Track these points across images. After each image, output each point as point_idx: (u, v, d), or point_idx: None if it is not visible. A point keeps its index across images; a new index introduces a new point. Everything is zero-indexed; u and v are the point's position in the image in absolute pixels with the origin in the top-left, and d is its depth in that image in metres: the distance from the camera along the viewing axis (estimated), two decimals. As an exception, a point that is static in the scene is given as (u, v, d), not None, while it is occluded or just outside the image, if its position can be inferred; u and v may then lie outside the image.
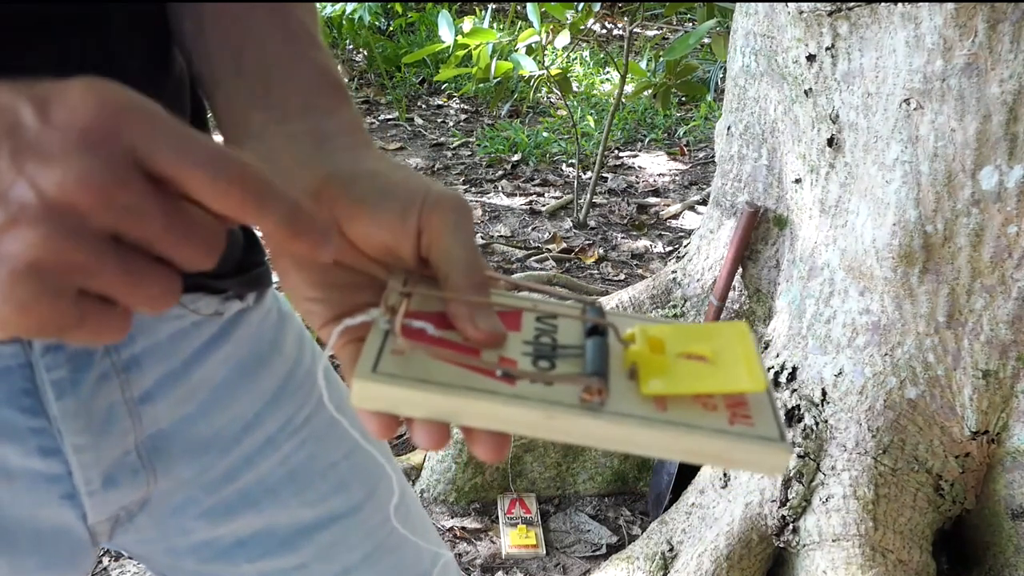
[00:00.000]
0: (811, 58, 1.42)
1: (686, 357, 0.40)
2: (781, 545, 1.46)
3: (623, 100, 3.44)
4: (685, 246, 1.94)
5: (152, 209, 0.31)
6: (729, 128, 1.77)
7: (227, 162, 0.32)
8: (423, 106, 4.17)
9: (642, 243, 2.92)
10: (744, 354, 0.40)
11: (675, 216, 3.11)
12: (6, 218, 0.30)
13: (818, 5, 1.36)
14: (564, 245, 2.87)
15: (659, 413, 0.37)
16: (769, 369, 1.56)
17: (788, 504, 1.44)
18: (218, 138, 0.56)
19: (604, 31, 5.03)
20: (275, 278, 0.53)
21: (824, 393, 1.47)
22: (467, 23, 3.03)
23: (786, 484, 1.44)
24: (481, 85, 3.41)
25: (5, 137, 0.30)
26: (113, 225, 0.31)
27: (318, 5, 4.20)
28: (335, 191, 0.41)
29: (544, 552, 1.69)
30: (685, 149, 3.66)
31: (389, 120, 3.97)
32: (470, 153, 3.62)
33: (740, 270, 1.75)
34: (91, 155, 0.30)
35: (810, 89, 1.45)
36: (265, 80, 0.48)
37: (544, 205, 3.15)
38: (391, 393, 0.37)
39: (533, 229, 3.00)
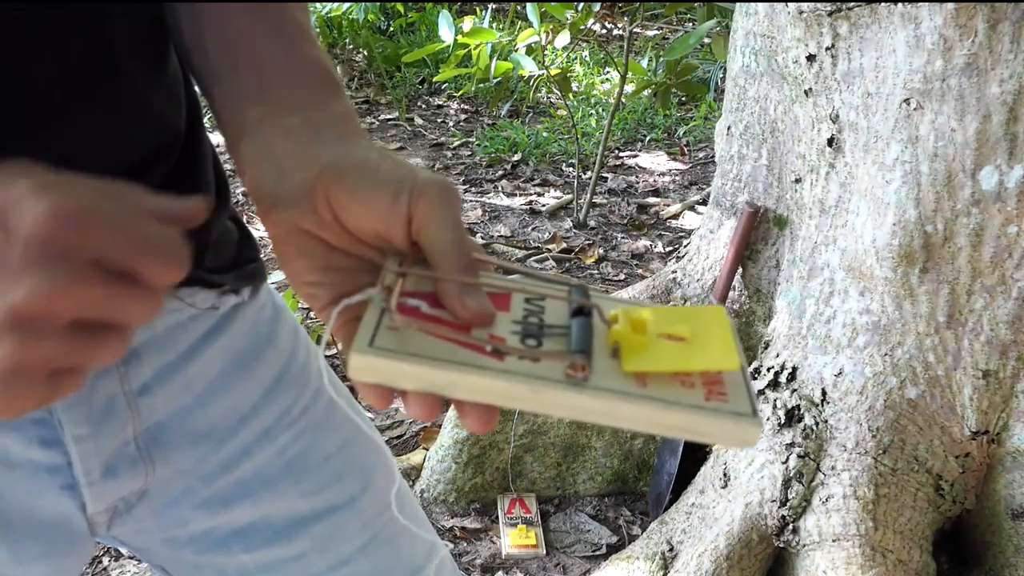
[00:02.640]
0: (811, 58, 1.42)
1: (666, 337, 0.42)
2: (781, 545, 1.46)
3: (623, 100, 3.44)
4: (685, 246, 1.94)
5: (114, 292, 0.34)
6: (729, 128, 1.77)
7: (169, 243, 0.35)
8: (423, 106, 4.17)
9: (642, 243, 2.92)
10: (721, 336, 0.42)
11: (675, 216, 3.11)
12: None
13: (818, 5, 1.36)
14: (564, 245, 2.87)
15: (639, 389, 0.39)
16: (769, 369, 1.56)
17: (788, 504, 1.44)
18: (217, 138, 0.57)
19: (604, 31, 5.03)
20: (276, 276, 0.53)
21: (824, 393, 1.47)
22: (467, 23, 3.03)
23: (786, 484, 1.44)
24: (481, 85, 3.42)
25: None
26: (78, 315, 0.33)
27: (318, 5, 4.20)
28: (329, 182, 0.43)
29: (544, 552, 1.69)
30: (685, 149, 3.66)
31: (389, 120, 3.97)
32: (470, 153, 3.62)
33: (740, 270, 1.76)
34: (53, 266, 0.32)
35: (810, 89, 1.45)
36: (259, 75, 0.49)
37: (544, 205, 3.15)
38: (387, 366, 0.39)
39: (533, 229, 3.00)
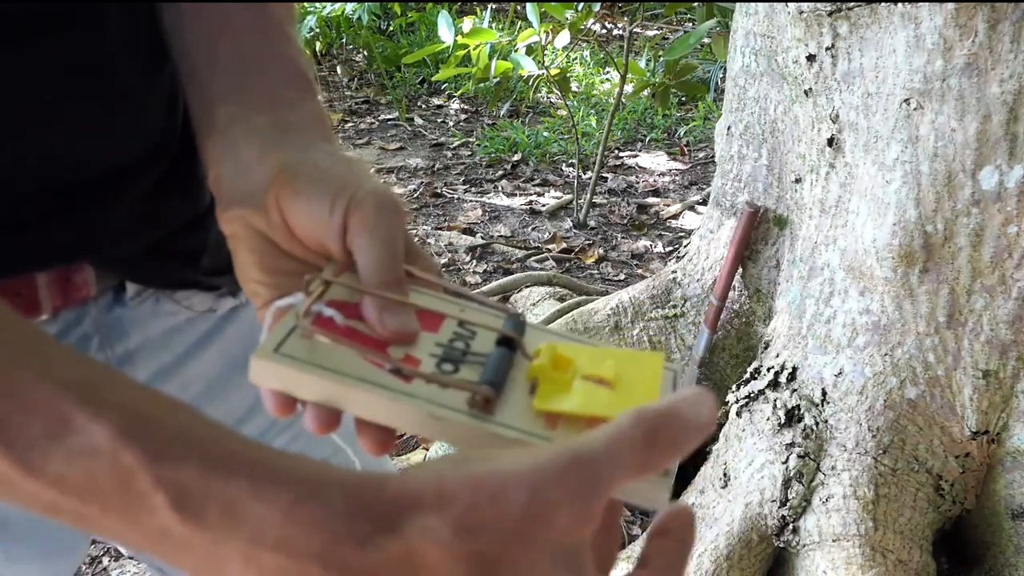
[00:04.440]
0: (811, 58, 1.42)
1: (591, 379, 0.39)
2: (781, 545, 1.46)
3: (623, 100, 3.44)
4: (685, 246, 1.94)
5: None
6: (729, 128, 1.77)
7: None
8: (423, 106, 4.17)
9: (642, 243, 2.92)
10: (648, 384, 0.40)
11: (675, 216, 3.11)
12: None
13: (818, 5, 1.36)
14: (564, 245, 2.87)
15: (545, 430, 0.37)
16: (769, 369, 1.56)
17: (788, 504, 1.44)
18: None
19: (604, 31, 5.03)
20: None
21: (824, 393, 1.47)
22: (467, 23, 3.03)
23: (786, 484, 1.44)
24: (481, 85, 3.41)
25: None
26: None
27: (318, 5, 4.20)
28: (280, 184, 0.42)
29: (544, 552, 1.69)
30: (685, 149, 3.66)
31: (389, 120, 3.97)
32: (470, 153, 3.62)
33: (740, 270, 1.75)
34: None
35: (810, 89, 1.45)
36: (237, 74, 0.49)
37: (544, 205, 3.15)
38: (285, 374, 0.38)
39: (533, 229, 3.00)
